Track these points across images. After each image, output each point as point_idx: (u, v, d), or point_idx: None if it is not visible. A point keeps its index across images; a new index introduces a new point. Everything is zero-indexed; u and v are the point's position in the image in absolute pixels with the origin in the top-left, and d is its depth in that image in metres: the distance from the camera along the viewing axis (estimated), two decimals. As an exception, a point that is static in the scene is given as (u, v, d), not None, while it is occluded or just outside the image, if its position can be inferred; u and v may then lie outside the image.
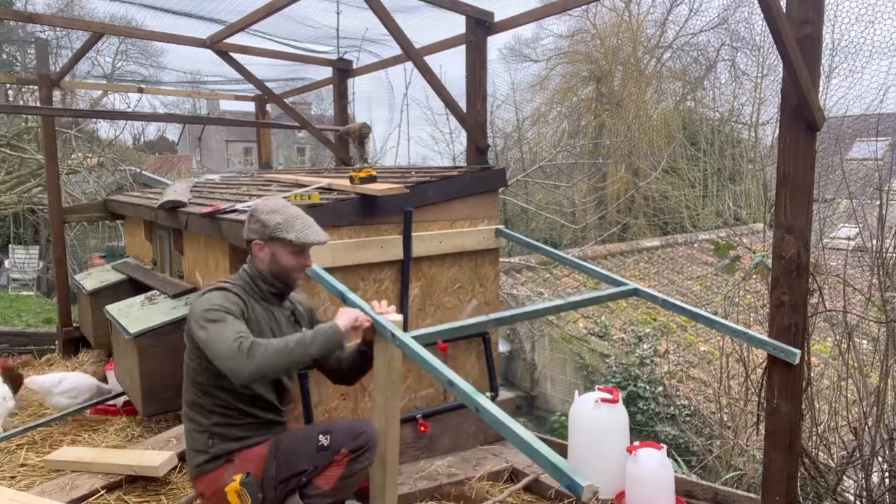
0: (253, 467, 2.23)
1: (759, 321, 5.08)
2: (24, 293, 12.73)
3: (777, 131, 2.82)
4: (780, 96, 2.45)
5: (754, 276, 5.34)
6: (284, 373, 2.27)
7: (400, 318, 2.26)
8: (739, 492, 2.99)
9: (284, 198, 2.68)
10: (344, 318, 2.21)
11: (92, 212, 5.59)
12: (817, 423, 3.55)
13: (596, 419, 3.02)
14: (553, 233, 13.63)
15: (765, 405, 2.65)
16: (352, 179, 3.15)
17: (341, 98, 6.01)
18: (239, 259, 3.39)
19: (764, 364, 2.71)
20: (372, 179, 3.11)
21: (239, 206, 3.14)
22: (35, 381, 3.81)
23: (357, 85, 6.28)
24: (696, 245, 11.50)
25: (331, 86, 6.10)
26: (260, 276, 2.33)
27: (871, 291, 3.79)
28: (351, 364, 2.45)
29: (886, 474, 3.18)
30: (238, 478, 2.16)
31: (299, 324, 2.45)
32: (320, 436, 2.24)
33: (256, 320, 2.27)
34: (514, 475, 3.24)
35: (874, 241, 3.56)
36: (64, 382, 3.76)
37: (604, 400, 3.02)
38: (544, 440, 3.67)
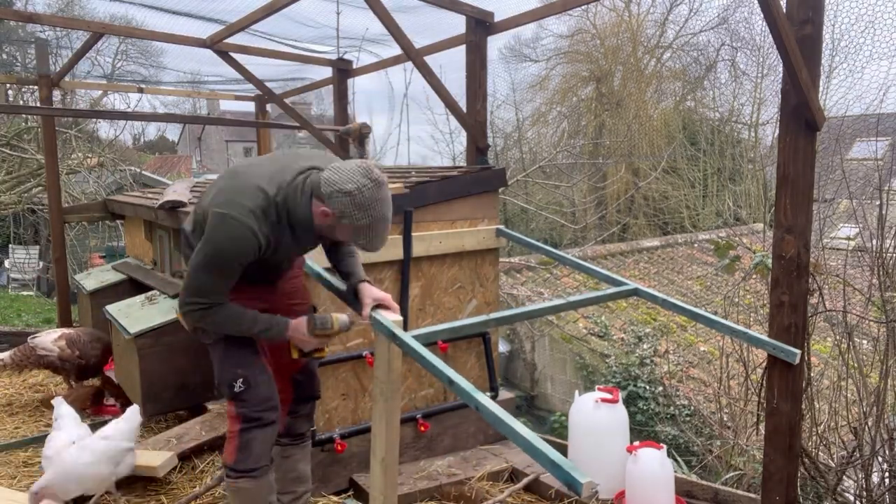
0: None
1: (759, 321, 5.08)
2: (24, 293, 12.73)
3: (777, 131, 2.82)
4: (780, 96, 2.45)
5: (754, 276, 5.34)
6: None
7: (400, 318, 2.26)
8: (739, 492, 2.99)
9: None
10: (298, 337, 2.27)
11: (92, 212, 5.59)
12: (817, 423, 3.55)
13: (596, 419, 3.01)
14: (553, 233, 13.64)
15: (765, 405, 2.65)
16: None
17: (341, 98, 6.01)
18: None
19: (764, 364, 2.71)
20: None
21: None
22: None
23: (357, 85, 6.28)
24: (696, 245, 11.51)
25: (331, 86, 6.10)
26: (303, 224, 2.14)
27: (871, 291, 3.79)
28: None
29: (886, 474, 3.18)
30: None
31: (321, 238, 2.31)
32: (238, 380, 2.24)
33: (274, 249, 2.17)
34: (514, 475, 3.24)
35: (874, 241, 3.56)
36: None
37: (604, 400, 3.02)
38: (544, 440, 3.67)
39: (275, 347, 2.41)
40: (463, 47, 4.01)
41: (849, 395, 3.64)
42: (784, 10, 2.28)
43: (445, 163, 13.29)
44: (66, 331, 4.12)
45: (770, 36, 2.28)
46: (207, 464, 3.12)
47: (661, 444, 2.81)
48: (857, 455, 3.16)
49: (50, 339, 3.95)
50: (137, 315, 3.54)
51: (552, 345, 8.40)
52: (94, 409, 4.01)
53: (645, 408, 6.90)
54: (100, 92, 11.45)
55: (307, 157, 2.24)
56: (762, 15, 2.21)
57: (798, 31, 2.31)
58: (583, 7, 10.39)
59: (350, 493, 3.03)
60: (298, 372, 2.50)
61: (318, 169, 2.13)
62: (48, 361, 3.89)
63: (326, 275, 2.61)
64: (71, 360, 3.87)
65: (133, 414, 2.92)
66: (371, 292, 2.31)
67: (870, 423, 3.19)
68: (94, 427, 3.68)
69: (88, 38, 4.96)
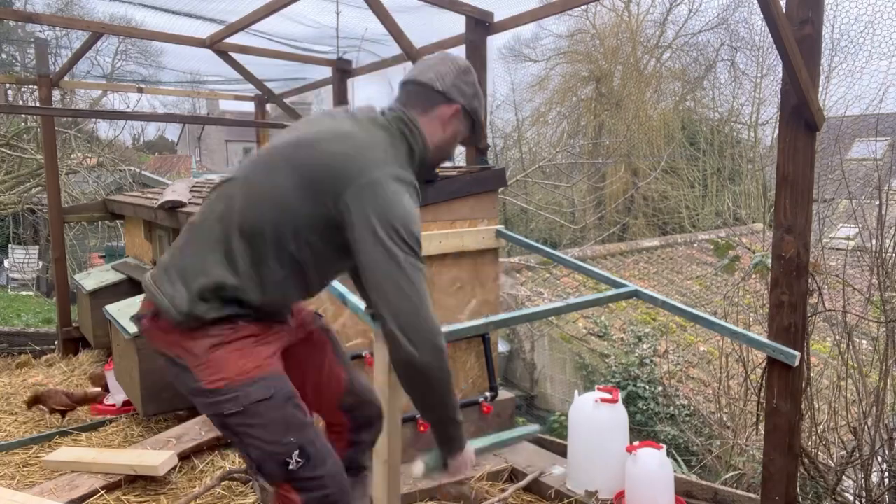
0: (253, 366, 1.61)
1: (758, 321, 5.08)
2: (24, 293, 12.72)
3: (777, 131, 2.82)
4: (779, 96, 2.45)
5: (754, 276, 5.34)
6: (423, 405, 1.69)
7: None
8: (739, 492, 2.99)
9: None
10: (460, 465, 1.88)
11: (92, 212, 5.59)
12: (817, 423, 3.55)
13: (596, 419, 3.01)
14: (553, 233, 13.64)
15: (764, 405, 2.65)
16: None
17: (341, 98, 6.01)
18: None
19: (763, 364, 2.71)
20: None
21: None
22: None
23: (357, 84, 6.28)
24: (695, 245, 11.50)
25: (330, 86, 6.10)
26: (424, 153, 1.75)
27: (871, 291, 3.79)
28: None
29: (886, 474, 3.19)
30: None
31: None
32: (294, 453, 1.62)
33: None
34: (513, 475, 3.24)
35: (874, 241, 3.56)
36: None
37: (603, 400, 3.02)
38: (544, 440, 3.68)
39: (307, 378, 1.89)
40: (463, 47, 4.01)
41: (848, 395, 3.64)
42: (784, 10, 2.28)
43: (445, 163, 13.27)
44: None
45: (769, 36, 2.28)
46: (207, 464, 3.12)
47: (661, 444, 2.82)
48: (857, 455, 3.16)
49: None
50: (137, 315, 3.54)
51: (552, 345, 8.40)
52: (93, 409, 4.01)
53: (644, 408, 6.89)
54: (99, 92, 11.46)
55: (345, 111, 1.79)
56: (762, 15, 2.21)
57: (798, 31, 2.31)
58: (582, 7, 10.41)
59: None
60: (346, 393, 1.98)
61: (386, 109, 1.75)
62: None
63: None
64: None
65: None
66: None
67: (869, 423, 3.19)
68: (87, 428, 3.70)
69: (88, 38, 4.96)
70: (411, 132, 1.72)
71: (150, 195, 4.93)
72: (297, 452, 1.62)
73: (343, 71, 5.86)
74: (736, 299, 5.25)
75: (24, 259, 13.48)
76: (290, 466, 1.61)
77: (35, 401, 3.76)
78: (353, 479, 1.96)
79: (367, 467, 2.10)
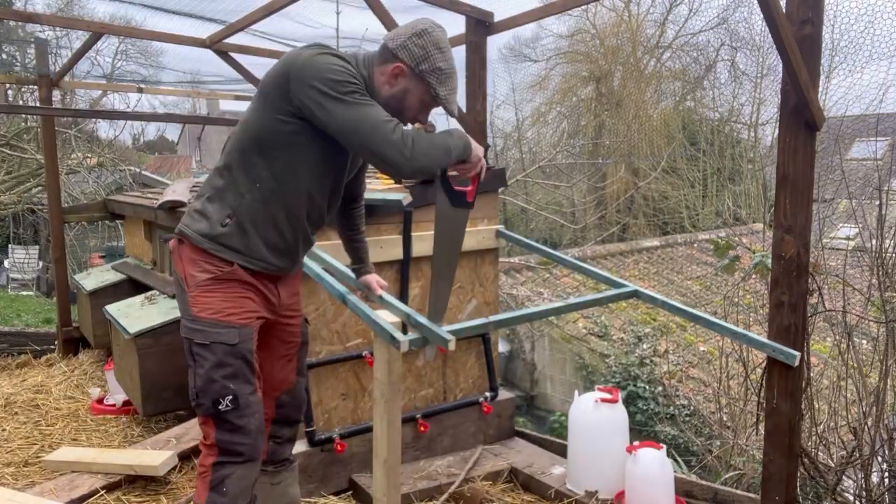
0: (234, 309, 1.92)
1: (758, 321, 5.07)
2: (24, 293, 12.72)
3: (777, 131, 2.82)
4: (779, 96, 2.45)
5: (754, 276, 5.34)
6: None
7: (398, 319, 2.26)
8: (739, 492, 2.99)
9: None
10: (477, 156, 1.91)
11: (92, 212, 5.59)
12: (817, 423, 3.55)
13: (596, 419, 3.02)
14: (553, 233, 13.64)
15: (764, 405, 2.65)
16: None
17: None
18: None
19: (763, 364, 2.71)
20: (398, 181, 3.15)
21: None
22: None
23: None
24: (695, 245, 11.49)
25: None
26: (372, 96, 1.89)
27: (871, 291, 3.79)
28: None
29: (886, 474, 3.18)
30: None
31: None
32: (227, 397, 1.89)
33: None
34: (513, 475, 3.24)
35: (874, 241, 3.56)
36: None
37: (603, 400, 3.02)
38: (544, 440, 3.68)
39: (266, 359, 2.14)
40: (463, 47, 4.01)
41: (848, 395, 3.64)
42: (784, 10, 2.28)
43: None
44: None
45: (770, 36, 2.27)
46: (207, 464, 3.12)
47: (661, 444, 2.82)
48: (857, 455, 3.16)
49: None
50: (137, 315, 3.54)
51: (552, 345, 8.40)
52: (93, 410, 4.02)
53: (644, 408, 6.89)
54: (99, 92, 11.46)
55: None
56: (762, 15, 2.21)
57: (798, 31, 2.31)
58: (582, 7, 10.39)
59: (350, 493, 3.03)
60: (286, 392, 2.27)
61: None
62: None
63: (327, 276, 2.60)
64: None
65: None
66: (381, 283, 2.43)
67: (869, 423, 3.19)
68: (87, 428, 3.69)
69: (88, 38, 4.96)
70: (366, 70, 1.91)
71: (150, 195, 4.93)
72: (230, 398, 1.87)
73: (343, 71, 5.86)
74: (736, 299, 5.25)
75: (24, 259, 13.48)
76: (221, 406, 1.87)
77: None
78: (279, 471, 2.30)
79: (292, 460, 2.37)
